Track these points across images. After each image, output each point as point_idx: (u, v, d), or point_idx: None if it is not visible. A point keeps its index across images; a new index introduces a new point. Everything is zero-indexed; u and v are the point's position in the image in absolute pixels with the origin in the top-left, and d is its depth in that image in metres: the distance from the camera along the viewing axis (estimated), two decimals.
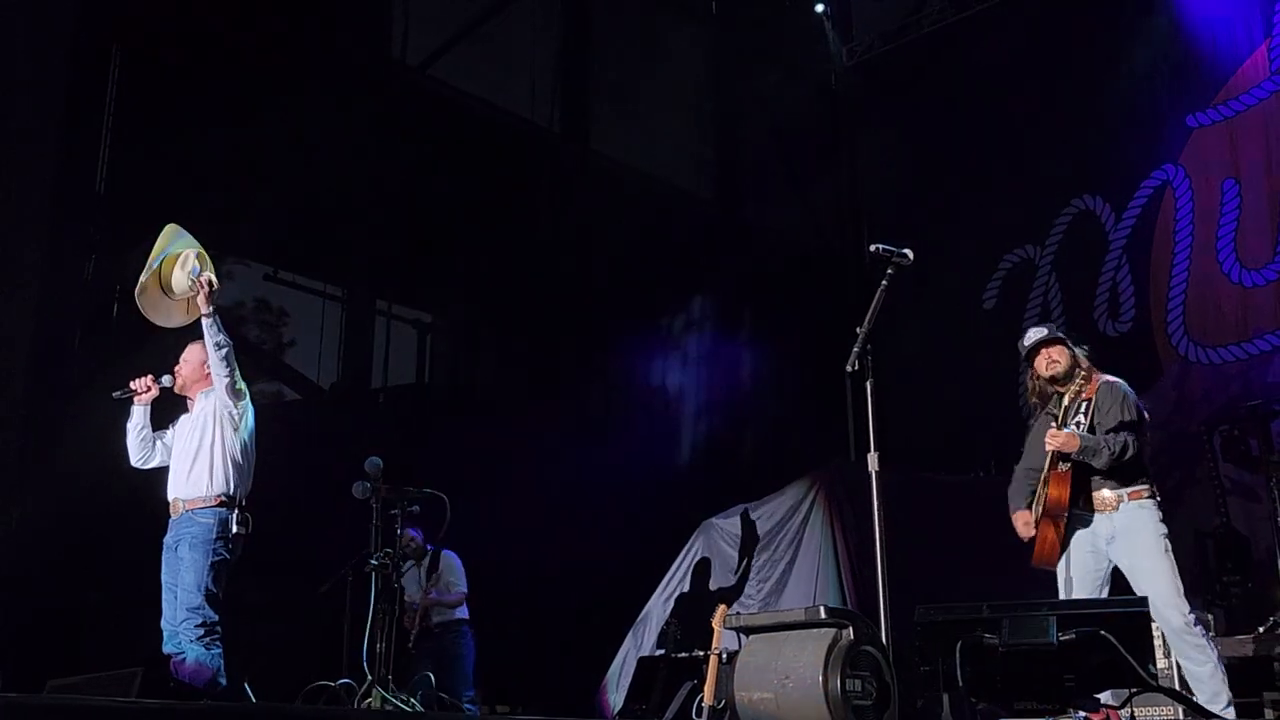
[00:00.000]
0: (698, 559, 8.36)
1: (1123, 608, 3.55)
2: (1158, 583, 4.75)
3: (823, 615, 3.90)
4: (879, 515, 4.35)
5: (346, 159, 8.38)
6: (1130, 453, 4.93)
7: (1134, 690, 3.50)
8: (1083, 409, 5.20)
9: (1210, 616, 5.83)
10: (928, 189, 11.02)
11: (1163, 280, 10.36)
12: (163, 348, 5.34)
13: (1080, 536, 4.96)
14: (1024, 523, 5.12)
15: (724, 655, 6.11)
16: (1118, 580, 5.00)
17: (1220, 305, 9.98)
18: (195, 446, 5.01)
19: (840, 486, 7.70)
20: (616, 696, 7.61)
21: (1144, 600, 3.57)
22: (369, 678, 5.04)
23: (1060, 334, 5.48)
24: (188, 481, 4.99)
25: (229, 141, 7.51)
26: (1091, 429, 5.08)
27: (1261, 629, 7.10)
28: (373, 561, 5.30)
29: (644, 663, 7.20)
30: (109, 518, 6.31)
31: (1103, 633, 3.43)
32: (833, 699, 3.70)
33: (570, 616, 8.60)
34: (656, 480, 9.04)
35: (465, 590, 8.09)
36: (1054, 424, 5.15)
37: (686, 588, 8.22)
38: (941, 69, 11.24)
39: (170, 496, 5.05)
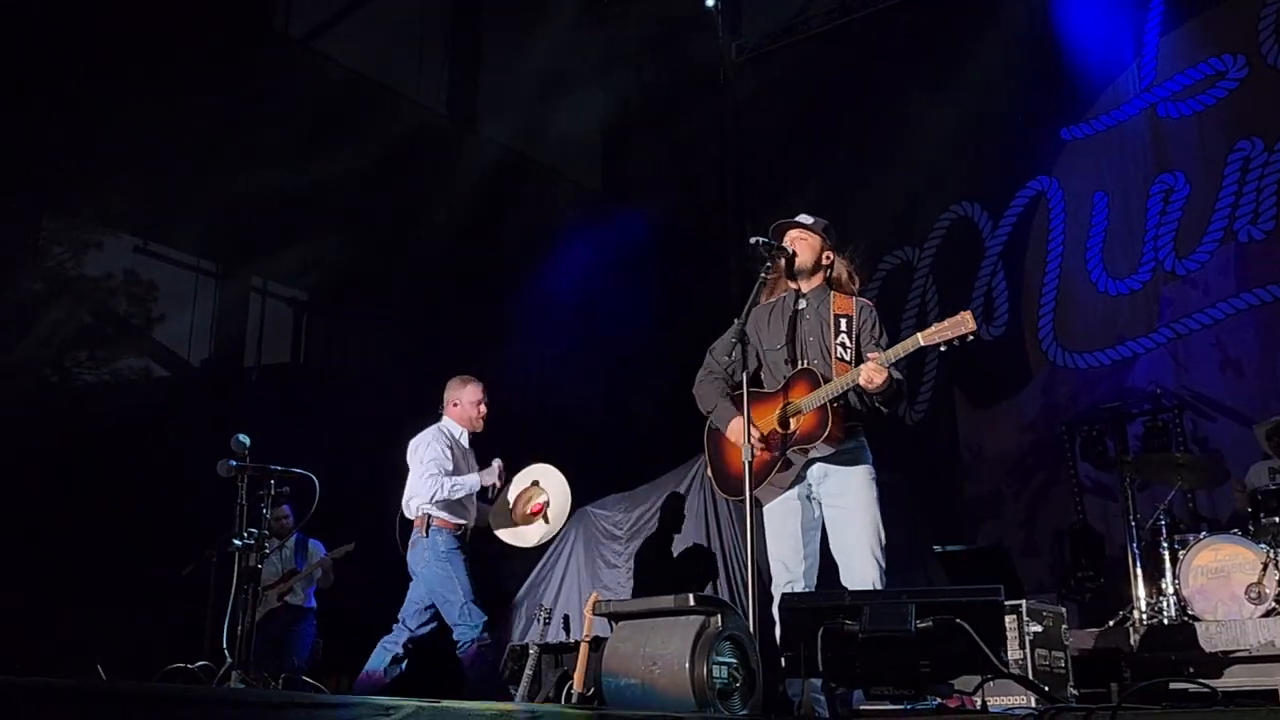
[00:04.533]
0: (572, 546, 8.37)
1: (979, 597, 3.64)
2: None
3: (691, 603, 3.92)
4: (750, 505, 4.38)
5: (223, 131, 8.15)
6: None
7: (986, 677, 3.60)
8: (842, 326, 4.73)
9: (1064, 610, 6.01)
10: (811, 186, 11.19)
11: (1035, 287, 10.69)
12: None
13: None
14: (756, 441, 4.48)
15: (594, 642, 6.14)
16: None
17: (1087, 313, 10.36)
18: None
19: None
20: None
21: (999, 590, 3.67)
22: (229, 660, 4.92)
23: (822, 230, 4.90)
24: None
25: (99, 109, 7.25)
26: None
27: (1111, 622, 7.39)
28: (236, 542, 5.16)
29: (514, 650, 7.18)
30: None
31: (959, 621, 3.51)
32: (698, 685, 3.73)
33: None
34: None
35: (331, 578, 8.00)
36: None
37: (559, 575, 8.23)
38: (827, 69, 11.43)
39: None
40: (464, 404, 6.21)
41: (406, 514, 6.03)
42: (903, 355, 4.47)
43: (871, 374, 4.36)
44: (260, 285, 8.84)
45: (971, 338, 4.28)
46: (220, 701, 2.33)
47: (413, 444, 6.11)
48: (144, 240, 8.29)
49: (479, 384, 6.23)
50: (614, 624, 4.15)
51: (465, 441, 6.23)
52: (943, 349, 4.35)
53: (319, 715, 2.43)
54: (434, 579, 5.91)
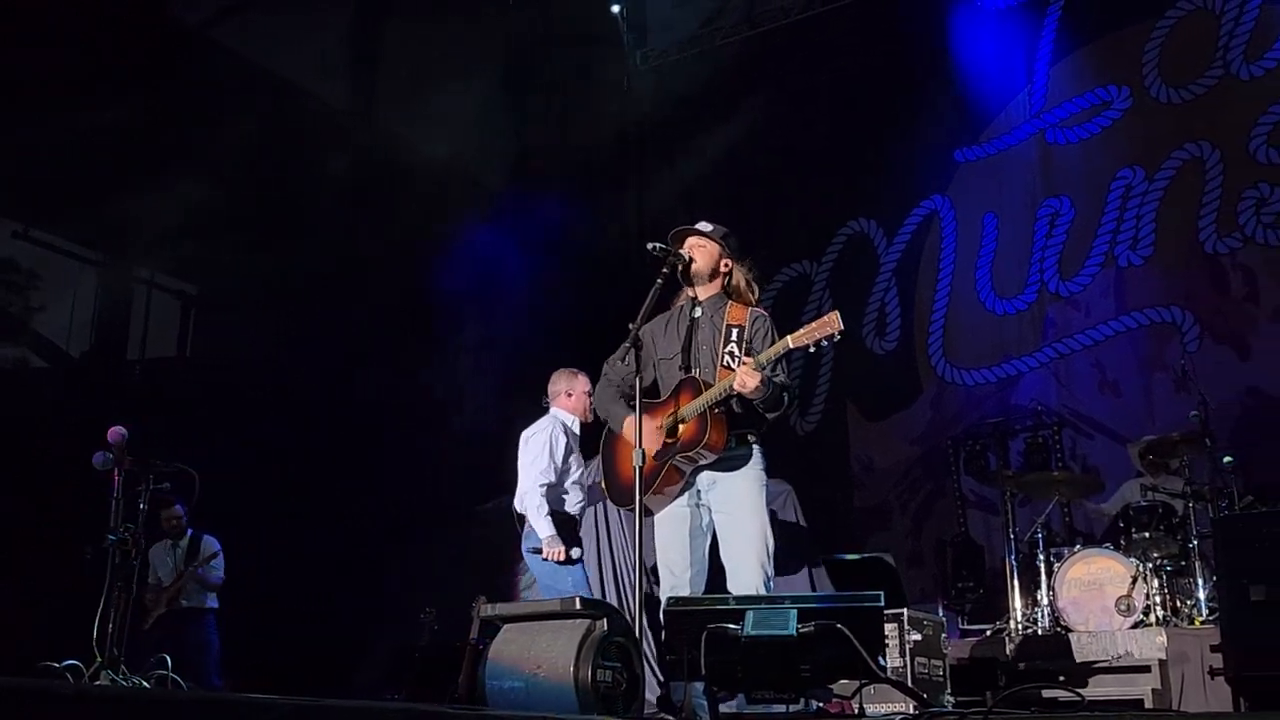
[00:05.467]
0: (463, 549, 8.30)
1: (860, 603, 3.70)
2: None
3: (577, 606, 3.92)
4: (639, 510, 4.40)
5: (110, 116, 7.91)
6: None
7: (864, 681, 3.67)
8: (733, 336, 4.74)
9: (943, 619, 6.16)
10: (711, 196, 11.29)
11: (926, 304, 10.93)
12: None
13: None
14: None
15: (480, 645, 6.10)
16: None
17: (975, 330, 10.62)
18: None
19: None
20: None
21: (879, 596, 3.73)
22: (98, 659, 4.76)
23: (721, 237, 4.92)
24: None
25: None
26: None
27: (989, 631, 7.59)
28: (111, 537, 5.00)
29: (398, 651, 7.10)
30: None
31: (839, 626, 3.57)
32: (583, 689, 3.73)
33: (329, 602, 8.39)
34: (425, 469, 8.91)
35: (223, 578, 7.81)
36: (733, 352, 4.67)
37: (448, 577, 8.15)
38: (732, 82, 11.53)
39: None
40: (577, 394, 6.24)
41: (517, 506, 6.06)
42: (774, 358, 4.53)
43: (745, 378, 4.42)
44: (147, 277, 8.60)
45: (839, 337, 4.37)
46: (86, 698, 2.26)
47: (525, 435, 6.16)
48: (24, 226, 8.01)
49: (585, 375, 6.27)
50: (500, 626, 4.14)
51: (576, 429, 6.24)
52: (812, 350, 4.44)
53: (194, 713, 2.37)
54: (543, 570, 5.90)
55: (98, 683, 4.63)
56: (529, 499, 5.98)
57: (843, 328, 4.37)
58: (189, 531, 7.86)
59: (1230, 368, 9.15)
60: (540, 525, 5.93)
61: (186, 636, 7.45)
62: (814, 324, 4.41)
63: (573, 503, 6.14)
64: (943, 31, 10.74)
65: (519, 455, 6.13)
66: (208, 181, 8.61)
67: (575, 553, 5.95)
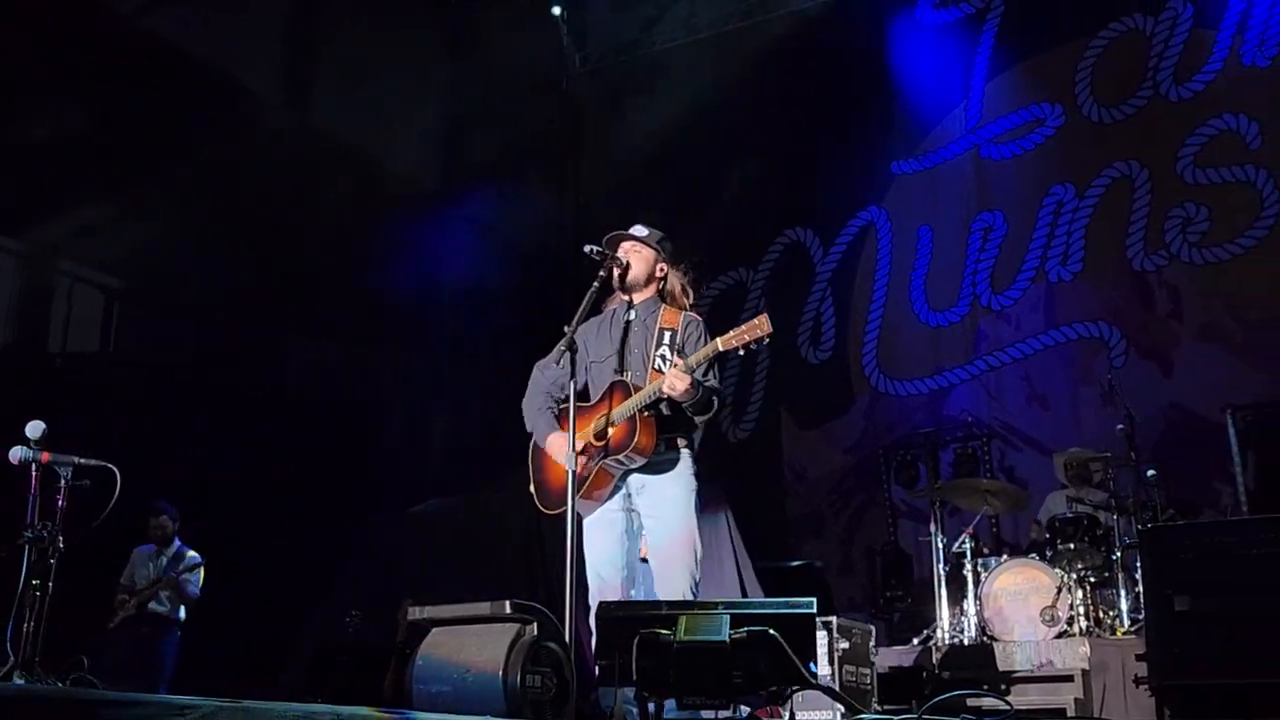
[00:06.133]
0: (394, 552, 8.20)
1: (792, 610, 3.70)
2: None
3: (508, 610, 3.87)
4: (571, 515, 4.36)
5: (34, 103, 7.70)
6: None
7: (794, 688, 3.66)
8: (665, 339, 4.74)
9: (872, 627, 6.19)
10: (650, 200, 11.29)
11: (861, 314, 11.02)
12: None
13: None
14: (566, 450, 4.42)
15: (408, 648, 6.01)
16: None
17: (909, 341, 10.73)
18: None
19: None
20: None
21: (812, 603, 3.73)
22: (10, 659, 4.61)
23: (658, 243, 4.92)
24: None
25: None
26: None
27: (916, 640, 7.66)
28: (27, 535, 4.85)
29: (324, 654, 6.99)
30: None
31: (771, 632, 3.56)
32: (512, 694, 3.69)
33: (252, 603, 8.24)
34: (354, 470, 8.79)
35: (198, 593, 7.71)
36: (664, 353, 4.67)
37: (377, 579, 8.05)
38: (670, 87, 11.53)
39: None
40: None
41: None
42: (704, 361, 4.53)
43: (674, 381, 4.41)
44: (69, 270, 8.38)
45: (769, 340, 4.39)
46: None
47: None
48: None
49: None
50: (429, 630, 4.08)
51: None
52: (742, 352, 4.45)
53: (108, 713, 2.30)
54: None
55: (7, 683, 4.49)
56: None
57: (772, 330, 4.38)
58: (176, 541, 7.80)
59: (1155, 383, 9.34)
60: None
61: (149, 644, 7.36)
62: (743, 327, 4.43)
63: None
64: (881, 45, 10.86)
65: None
66: (133, 174, 8.42)
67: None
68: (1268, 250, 9.15)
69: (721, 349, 4.46)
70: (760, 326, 4.38)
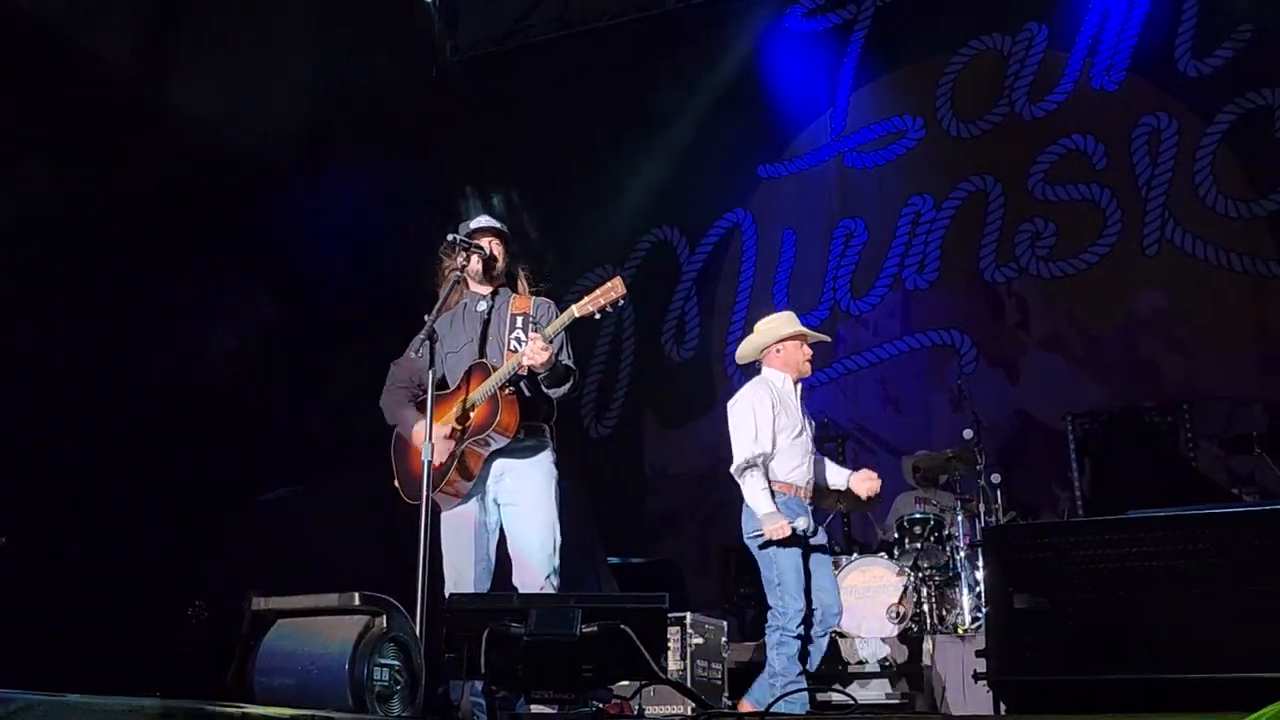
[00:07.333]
0: (242, 542, 7.99)
1: (643, 604, 3.73)
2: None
3: (357, 602, 3.81)
4: (426, 505, 4.33)
5: None
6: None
7: (644, 683, 3.69)
8: (519, 324, 4.82)
9: (724, 623, 6.28)
10: (519, 194, 11.24)
11: (725, 314, 11.14)
12: None
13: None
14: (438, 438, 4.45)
15: (252, 640, 5.86)
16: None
17: None
18: None
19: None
20: None
21: (663, 598, 3.77)
22: None
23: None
24: None
25: None
26: None
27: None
28: None
29: (165, 647, 6.77)
30: None
31: (623, 626, 3.58)
32: (357, 687, 3.63)
33: (91, 595, 7.92)
34: (201, 458, 8.52)
35: None
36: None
37: (224, 571, 7.82)
38: (543, 80, 11.48)
39: None
40: (787, 348, 5.75)
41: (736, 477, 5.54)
42: (561, 329, 4.61)
43: (534, 351, 4.44)
44: None
45: (623, 303, 4.46)
46: None
47: (729, 403, 5.72)
48: None
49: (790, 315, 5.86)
50: (273, 621, 3.99)
51: (789, 387, 5.72)
52: (598, 317, 4.50)
53: None
54: (760, 557, 5.42)
55: None
56: (741, 474, 5.48)
57: (625, 292, 4.45)
58: None
59: (1002, 390, 9.68)
60: (757, 501, 5.40)
61: None
62: (597, 291, 4.50)
63: (790, 470, 5.61)
64: (751, 50, 10.98)
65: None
66: None
67: (800, 524, 5.36)
68: (1108, 266, 9.57)
69: (578, 314, 4.52)
70: (614, 289, 4.45)
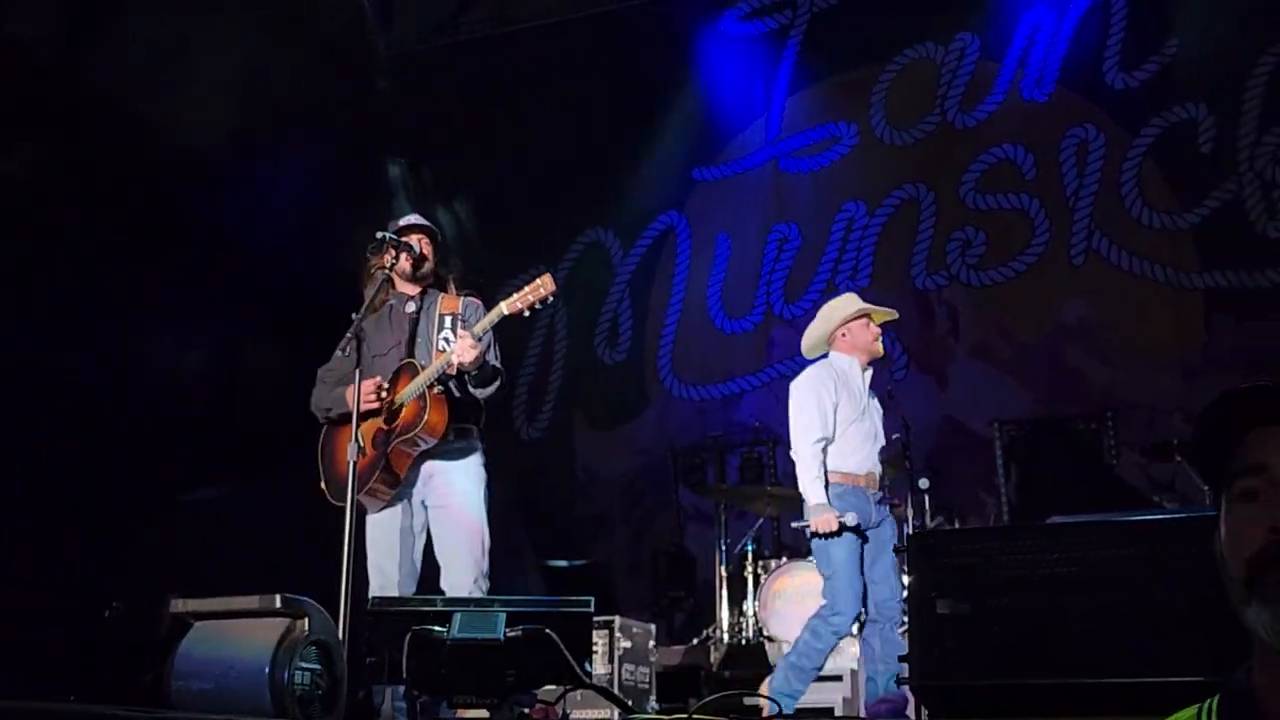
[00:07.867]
0: (163, 541, 7.84)
1: (569, 608, 3.70)
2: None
3: (278, 604, 3.74)
4: (351, 506, 4.27)
5: None
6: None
7: (568, 687, 3.66)
8: (447, 323, 4.77)
9: (652, 627, 6.27)
10: (449, 191, 11.12)
11: (658, 317, 11.14)
12: None
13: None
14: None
15: (170, 643, 5.73)
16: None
17: (704, 347, 10.91)
18: None
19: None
20: None
21: (589, 602, 3.74)
22: None
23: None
24: None
25: None
26: None
27: (696, 640, 7.80)
28: None
29: (79, 650, 6.62)
30: None
31: (548, 630, 3.55)
32: (277, 691, 3.56)
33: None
34: (121, 453, 8.32)
35: None
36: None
37: (143, 571, 7.67)
38: (476, 78, 11.39)
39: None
40: (853, 330, 5.52)
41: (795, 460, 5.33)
42: (489, 327, 4.60)
43: (463, 349, 4.41)
44: None
45: (552, 299, 4.44)
46: None
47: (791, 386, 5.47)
48: None
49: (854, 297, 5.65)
50: (191, 624, 3.91)
51: (857, 370, 5.50)
52: (527, 314, 4.49)
53: None
54: (814, 547, 5.24)
55: None
56: (798, 461, 5.25)
57: (555, 289, 4.44)
58: None
59: (931, 396, 9.79)
60: (807, 490, 5.18)
61: None
62: (526, 288, 4.50)
63: (850, 458, 5.41)
64: (686, 52, 10.98)
65: None
66: None
67: (850, 518, 5.14)
68: (1036, 275, 9.71)
69: (507, 312, 4.50)
70: (543, 286, 4.45)
